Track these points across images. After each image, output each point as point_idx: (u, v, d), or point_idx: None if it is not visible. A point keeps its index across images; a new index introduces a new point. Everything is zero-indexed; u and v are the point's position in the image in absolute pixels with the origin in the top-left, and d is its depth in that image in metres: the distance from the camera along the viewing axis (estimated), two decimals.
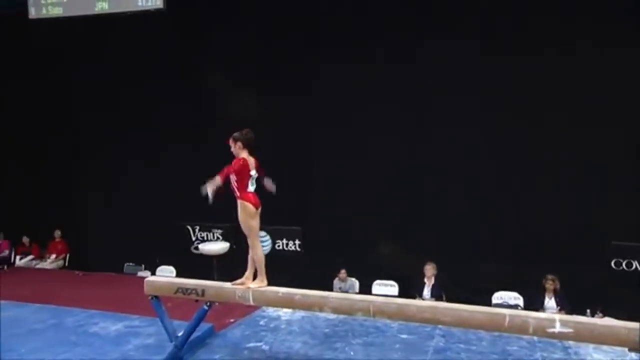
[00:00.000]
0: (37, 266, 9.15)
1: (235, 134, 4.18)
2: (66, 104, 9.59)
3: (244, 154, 4.13)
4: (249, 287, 4.16)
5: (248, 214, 4.10)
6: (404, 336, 4.95)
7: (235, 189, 4.10)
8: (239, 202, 4.10)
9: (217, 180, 3.95)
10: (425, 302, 3.76)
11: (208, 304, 4.34)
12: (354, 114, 7.99)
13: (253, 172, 4.14)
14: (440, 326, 4.68)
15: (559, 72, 7.09)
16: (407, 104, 7.84)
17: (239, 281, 4.25)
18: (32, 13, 8.41)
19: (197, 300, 4.37)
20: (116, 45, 9.14)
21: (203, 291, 4.22)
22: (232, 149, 4.18)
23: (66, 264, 9.31)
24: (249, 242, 4.24)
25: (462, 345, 4.62)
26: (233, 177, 4.08)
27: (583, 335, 2.96)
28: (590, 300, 6.45)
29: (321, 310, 3.75)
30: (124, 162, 9.19)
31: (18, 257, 9.33)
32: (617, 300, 6.46)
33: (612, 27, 6.87)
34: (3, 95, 9.70)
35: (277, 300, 4.01)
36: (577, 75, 7.03)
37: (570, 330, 2.91)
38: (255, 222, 4.17)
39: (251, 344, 5.01)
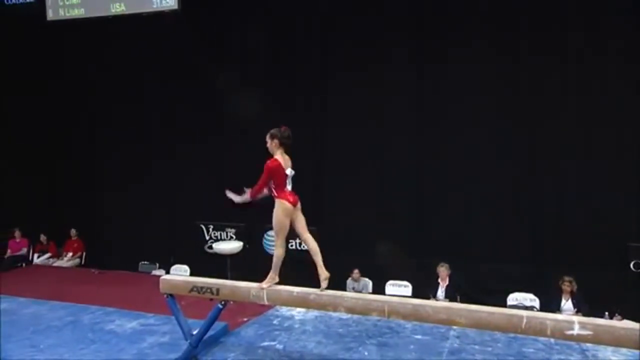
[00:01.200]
0: (55, 264, 9.28)
1: (273, 131, 4.13)
2: (83, 103, 9.71)
3: (279, 152, 4.10)
4: (262, 287, 4.14)
5: (283, 212, 4.06)
6: (418, 337, 4.93)
7: (273, 190, 4.09)
8: (276, 200, 4.09)
9: (246, 197, 4.02)
10: (441, 303, 3.73)
11: (223, 302, 4.36)
12: (365, 114, 7.96)
13: (289, 171, 4.11)
14: (454, 327, 4.66)
15: (573, 72, 7.00)
16: (419, 104, 7.80)
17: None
18: (50, 15, 8.56)
19: (211, 299, 4.39)
20: (132, 45, 9.22)
21: (218, 290, 4.24)
22: (268, 146, 4.14)
23: (82, 262, 9.43)
24: (276, 239, 4.19)
25: (477, 347, 4.58)
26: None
27: (602, 338, 2.91)
28: (609, 302, 6.34)
29: (335, 310, 3.75)
30: (140, 161, 9.27)
31: (36, 255, 9.47)
32: (636, 303, 6.35)
33: (615, 26, 6.78)
34: (21, 95, 9.85)
35: (291, 300, 4.01)
36: (590, 75, 6.93)
37: (590, 332, 2.86)
38: (288, 221, 4.09)
39: (265, 343, 5.03)
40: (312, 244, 4.18)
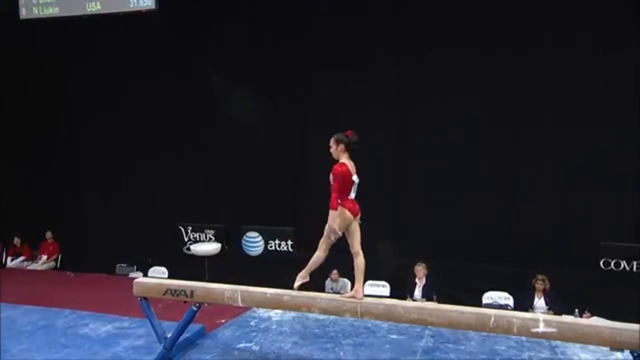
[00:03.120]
0: (29, 267, 9.11)
1: (338, 135, 3.95)
2: (60, 104, 9.56)
3: (345, 157, 3.93)
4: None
5: (343, 221, 3.86)
6: (393, 336, 4.97)
7: (335, 199, 3.85)
8: (339, 208, 3.85)
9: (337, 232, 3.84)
10: (413, 303, 3.79)
11: (197, 305, 4.34)
12: (347, 114, 7.98)
13: (355, 178, 3.92)
14: (430, 327, 4.72)
15: (552, 72, 7.14)
16: (399, 105, 7.88)
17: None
18: (23, 13, 8.37)
19: (185, 302, 4.37)
20: (112, 45, 9.11)
21: (192, 292, 4.22)
22: (332, 151, 3.96)
23: (58, 265, 9.28)
24: (322, 242, 3.98)
25: (451, 345, 4.65)
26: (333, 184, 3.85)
27: (566, 335, 2.99)
28: (580, 300, 6.49)
29: (309, 311, 3.77)
30: (117, 162, 9.18)
31: (9, 259, 9.28)
32: (605, 300, 6.52)
33: (602, 27, 6.93)
34: None
35: (265, 301, 4.02)
36: (568, 76, 7.08)
37: (554, 330, 2.94)
38: (342, 230, 3.89)
39: (242, 345, 5.02)
40: (360, 261, 3.94)
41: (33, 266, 9.14)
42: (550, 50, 7.14)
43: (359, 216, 3.98)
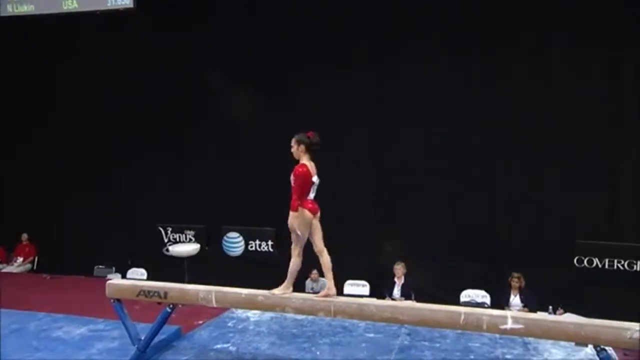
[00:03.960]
0: (3, 270, 8.93)
1: (300, 136, 3.99)
2: (37, 104, 9.39)
3: (305, 159, 3.96)
4: (273, 293, 3.98)
5: (303, 221, 3.91)
6: (370, 335, 5.00)
7: (295, 200, 3.90)
8: (299, 209, 3.89)
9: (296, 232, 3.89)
10: (386, 302, 3.83)
11: (171, 306, 4.31)
12: (329, 113, 8.02)
13: (315, 179, 3.95)
14: (406, 325, 4.75)
15: (530, 73, 7.23)
16: (380, 104, 7.91)
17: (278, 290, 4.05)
18: (3, 11, 8.23)
19: (159, 303, 4.33)
20: (95, 44, 8.99)
21: (165, 293, 4.19)
22: (293, 151, 3.99)
23: (34, 267, 9.12)
24: (294, 248, 4.04)
25: (426, 343, 4.69)
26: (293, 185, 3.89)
27: (533, 331, 3.06)
28: (555, 297, 6.59)
29: (284, 311, 3.77)
30: (95, 162, 9.05)
31: None
32: (580, 298, 6.65)
33: (583, 27, 7.03)
34: None
35: (239, 302, 4.01)
36: (545, 77, 7.18)
37: (521, 326, 3.01)
38: (308, 231, 3.94)
39: (218, 346, 5.00)
40: (325, 258, 4.01)
41: (8, 269, 8.96)
42: (526, 48, 7.24)
43: (318, 215, 4.02)
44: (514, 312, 3.41)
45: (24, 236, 9.15)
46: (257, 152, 8.32)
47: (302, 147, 3.97)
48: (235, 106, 8.18)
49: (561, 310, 6.05)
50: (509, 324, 3.02)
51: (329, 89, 7.97)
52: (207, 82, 8.38)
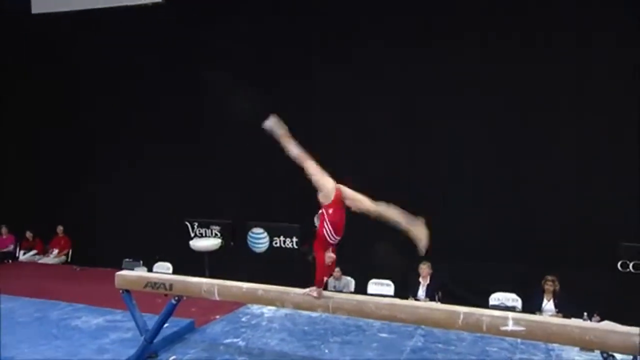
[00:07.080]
0: (40, 261, 9.29)
1: None
2: (70, 99, 9.71)
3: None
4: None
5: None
6: (383, 335, 4.81)
7: None
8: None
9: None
10: (384, 299, 3.61)
11: (176, 298, 4.27)
12: (354, 111, 7.84)
13: None
14: (422, 326, 4.51)
15: (564, 68, 6.80)
16: (406, 101, 7.64)
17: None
18: (34, 8, 8.57)
19: (166, 295, 4.31)
20: (119, 38, 9.15)
21: (171, 285, 4.17)
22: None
23: (69, 259, 9.42)
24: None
25: (440, 345, 4.45)
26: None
27: (535, 334, 2.82)
28: (595, 303, 6.10)
29: (283, 305, 3.64)
30: (127, 157, 9.24)
31: (22, 252, 9.49)
32: (622, 304, 6.12)
33: (609, 22, 6.58)
34: (7, 90, 9.86)
35: (240, 295, 3.94)
36: (584, 72, 6.73)
37: (523, 328, 2.76)
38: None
39: (228, 340, 4.97)
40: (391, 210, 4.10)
41: (44, 260, 9.31)
42: (559, 49, 6.82)
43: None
44: (516, 314, 3.12)
45: (59, 229, 9.47)
46: (280, 148, 8.21)
47: None
48: (262, 102, 8.09)
49: (597, 318, 5.58)
50: (510, 326, 2.79)
51: (354, 86, 7.78)
52: (229, 76, 8.34)
